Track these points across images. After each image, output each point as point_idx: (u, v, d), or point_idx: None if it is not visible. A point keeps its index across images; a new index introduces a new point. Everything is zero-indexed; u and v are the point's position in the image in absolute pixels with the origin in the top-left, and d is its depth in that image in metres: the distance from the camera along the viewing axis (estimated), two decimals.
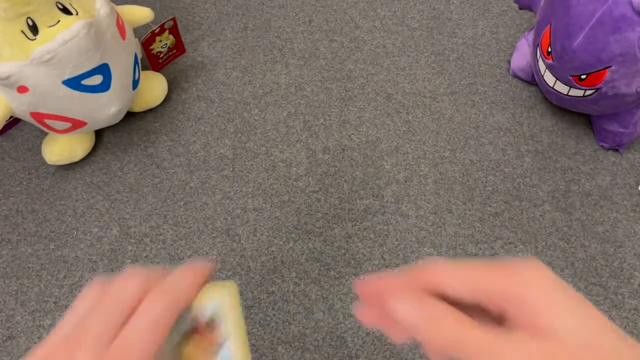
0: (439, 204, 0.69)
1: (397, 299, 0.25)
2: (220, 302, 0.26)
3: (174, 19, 0.73)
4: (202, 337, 0.26)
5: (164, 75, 0.77)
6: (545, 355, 0.22)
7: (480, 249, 0.66)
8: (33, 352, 0.23)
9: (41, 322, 0.62)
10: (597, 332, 0.23)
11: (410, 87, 0.79)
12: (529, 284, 0.24)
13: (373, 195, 0.70)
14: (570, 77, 0.66)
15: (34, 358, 0.22)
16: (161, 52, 0.76)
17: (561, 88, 0.69)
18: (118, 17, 0.65)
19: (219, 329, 0.25)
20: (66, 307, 0.63)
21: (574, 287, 0.63)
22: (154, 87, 0.75)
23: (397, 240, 0.66)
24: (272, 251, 0.66)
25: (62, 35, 0.57)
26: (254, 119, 0.77)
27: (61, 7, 0.59)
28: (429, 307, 0.25)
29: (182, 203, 0.70)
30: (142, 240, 0.67)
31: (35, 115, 0.64)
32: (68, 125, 0.66)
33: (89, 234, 0.67)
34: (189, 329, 0.26)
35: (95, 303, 0.25)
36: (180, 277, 0.26)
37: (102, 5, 0.62)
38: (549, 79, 0.70)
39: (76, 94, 0.62)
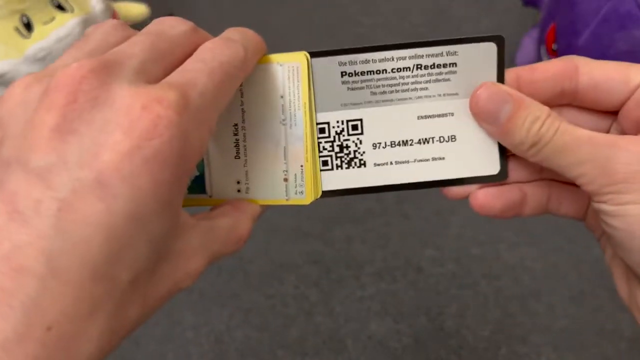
0: (441, 204, 0.68)
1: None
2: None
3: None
4: None
5: None
6: None
7: (483, 250, 0.65)
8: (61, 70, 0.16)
9: None
10: None
11: None
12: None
13: (374, 196, 0.69)
14: None
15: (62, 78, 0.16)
16: None
17: None
18: (114, 14, 0.65)
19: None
20: None
21: (579, 289, 0.63)
22: None
23: (399, 242, 0.65)
24: (270, 253, 0.65)
25: (56, 32, 0.57)
26: None
27: (56, 3, 0.59)
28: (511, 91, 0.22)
29: None
30: None
31: None
32: None
33: None
34: None
35: (128, 33, 0.20)
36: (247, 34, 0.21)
37: (98, 2, 0.62)
38: None
39: None
